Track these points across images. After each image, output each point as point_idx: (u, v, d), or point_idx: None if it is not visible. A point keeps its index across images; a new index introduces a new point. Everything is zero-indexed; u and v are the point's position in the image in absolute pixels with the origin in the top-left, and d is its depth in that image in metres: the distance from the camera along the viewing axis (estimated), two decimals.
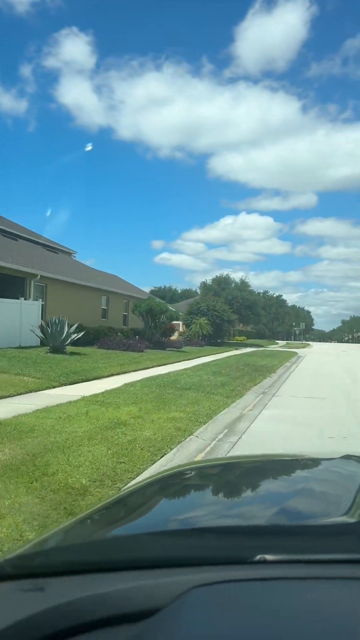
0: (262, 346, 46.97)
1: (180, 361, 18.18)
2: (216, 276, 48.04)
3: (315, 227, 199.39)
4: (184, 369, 14.63)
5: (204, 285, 47.13)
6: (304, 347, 49.31)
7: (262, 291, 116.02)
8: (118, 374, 12.59)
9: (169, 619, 0.64)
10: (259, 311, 47.98)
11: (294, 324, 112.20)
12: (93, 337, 20.62)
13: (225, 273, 48.16)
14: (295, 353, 32.14)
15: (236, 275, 63.88)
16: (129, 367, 14.00)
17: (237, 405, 9.02)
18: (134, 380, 11.11)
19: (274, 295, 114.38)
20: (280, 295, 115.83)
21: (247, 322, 47.81)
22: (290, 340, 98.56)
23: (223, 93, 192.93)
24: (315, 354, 34.62)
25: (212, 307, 34.93)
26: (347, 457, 1.43)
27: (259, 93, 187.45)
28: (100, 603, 0.69)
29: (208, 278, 47.87)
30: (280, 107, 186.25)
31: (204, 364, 17.05)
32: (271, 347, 46.86)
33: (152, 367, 15.18)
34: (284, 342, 70.72)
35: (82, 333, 16.37)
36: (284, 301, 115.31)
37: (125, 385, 10.16)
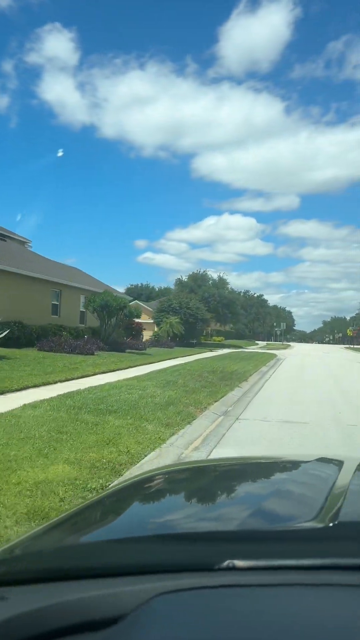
0: (240, 347, 44.27)
1: (134, 366, 15.15)
2: (192, 273, 45.18)
3: (298, 228, 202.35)
4: (130, 378, 11.58)
5: (179, 282, 44.21)
6: (284, 349, 46.79)
7: (242, 291, 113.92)
8: (37, 385, 9.48)
9: (132, 626, 0.64)
10: (238, 310, 45.27)
11: (274, 324, 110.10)
12: (37, 337, 17.50)
13: (202, 270, 45.37)
14: (274, 355, 29.45)
15: (215, 273, 61.22)
16: (59, 376, 10.90)
17: (178, 440, 6.01)
18: (50, 396, 8.06)
19: (255, 295, 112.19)
20: (261, 295, 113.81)
21: (224, 322, 45.06)
22: (271, 340, 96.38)
23: (207, 93, 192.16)
24: (296, 356, 32.09)
25: (185, 304, 32.00)
26: (322, 460, 1.43)
27: (243, 94, 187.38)
28: (63, 611, 0.68)
29: (185, 275, 44.60)
30: (264, 108, 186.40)
31: (160, 371, 14.01)
32: (250, 348, 44.19)
33: (93, 374, 12.12)
34: (264, 343, 68.30)
35: (6, 332, 13.19)
36: (265, 301, 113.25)
37: (24, 407, 7.08)
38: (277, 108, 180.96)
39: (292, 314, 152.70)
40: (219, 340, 52.09)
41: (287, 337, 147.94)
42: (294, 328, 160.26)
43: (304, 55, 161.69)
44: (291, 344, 79.10)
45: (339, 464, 1.35)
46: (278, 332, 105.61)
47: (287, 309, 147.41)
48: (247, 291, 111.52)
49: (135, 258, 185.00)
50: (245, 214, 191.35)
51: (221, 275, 45.68)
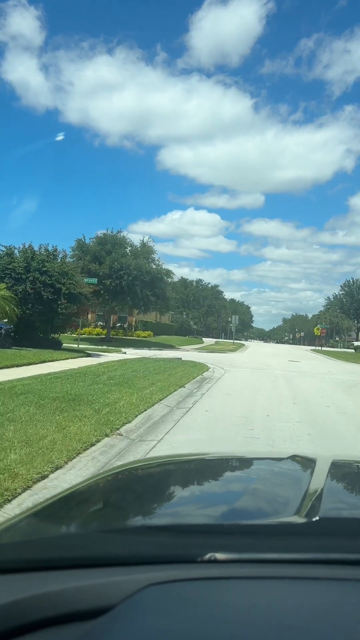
0: (168, 347, 29.94)
1: None
2: (102, 233, 30.34)
3: (261, 227, 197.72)
4: None
5: (78, 245, 29.31)
6: (233, 351, 32.89)
7: (195, 280, 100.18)
8: None
9: (119, 618, 0.65)
10: (165, 293, 30.83)
11: (230, 319, 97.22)
12: None
13: (117, 231, 30.54)
14: (203, 369, 15.32)
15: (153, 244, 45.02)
16: None
17: None
18: None
19: (209, 285, 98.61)
20: (217, 286, 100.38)
21: (145, 308, 30.54)
22: (225, 338, 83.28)
23: (176, 84, 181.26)
24: (245, 367, 18.17)
25: (39, 267, 17.18)
26: (295, 457, 1.48)
27: (212, 87, 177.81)
28: (51, 601, 0.69)
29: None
30: (233, 103, 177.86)
31: None
32: (182, 349, 29.96)
33: None
34: (212, 341, 54.60)
35: None
36: (221, 292, 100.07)
37: None
38: (246, 104, 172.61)
39: (250, 309, 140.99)
40: (143, 336, 37.57)
41: (244, 334, 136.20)
42: (252, 325, 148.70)
43: (274, 52, 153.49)
44: (246, 343, 65.78)
45: (312, 462, 1.37)
46: (233, 329, 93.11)
47: (247, 305, 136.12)
48: (200, 280, 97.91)
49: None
50: (210, 210, 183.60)
51: (145, 240, 30.98)
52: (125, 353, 21.24)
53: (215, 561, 0.74)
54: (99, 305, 29.51)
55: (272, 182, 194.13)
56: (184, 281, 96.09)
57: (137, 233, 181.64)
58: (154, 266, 30.37)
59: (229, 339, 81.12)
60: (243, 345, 48.85)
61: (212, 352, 29.74)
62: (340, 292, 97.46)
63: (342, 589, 0.72)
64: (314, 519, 0.81)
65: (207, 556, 0.74)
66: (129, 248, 30.46)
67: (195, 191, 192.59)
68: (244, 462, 1.64)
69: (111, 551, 0.81)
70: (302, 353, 40.01)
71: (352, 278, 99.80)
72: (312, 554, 0.76)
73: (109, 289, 27.70)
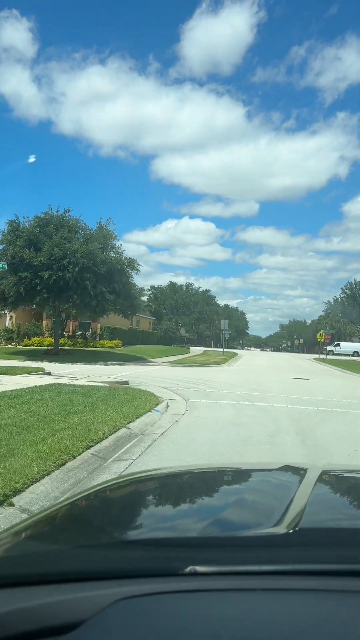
0: (133, 361, 22.84)
1: None
2: (44, 213, 23.10)
3: (255, 235, 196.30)
4: None
5: (10, 227, 22.07)
6: (220, 363, 25.71)
7: (185, 284, 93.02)
8: None
9: (92, 632, 0.65)
10: (129, 290, 23.62)
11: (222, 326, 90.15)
12: None
13: (63, 211, 23.32)
14: (150, 404, 8.11)
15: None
16: None
17: None
18: None
19: (200, 290, 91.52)
20: (208, 291, 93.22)
21: (101, 310, 23.24)
22: (218, 346, 76.32)
23: (168, 93, 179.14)
24: (225, 396, 10.85)
25: None
26: (286, 468, 1.47)
27: (205, 96, 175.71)
28: (23, 617, 0.68)
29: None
30: (225, 112, 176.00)
31: None
32: (153, 362, 22.84)
33: None
34: (201, 350, 47.41)
35: None
36: (213, 298, 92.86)
37: None
38: (239, 113, 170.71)
39: (247, 317, 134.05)
40: (109, 347, 30.29)
41: (240, 342, 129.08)
42: (248, 332, 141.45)
43: (266, 60, 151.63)
44: (240, 351, 58.55)
45: (303, 472, 1.35)
46: (225, 336, 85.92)
47: (241, 310, 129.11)
48: (190, 284, 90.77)
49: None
50: (205, 218, 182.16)
51: (103, 223, 23.82)
52: (49, 374, 14.04)
53: (195, 574, 0.72)
54: (36, 304, 22.27)
55: (266, 190, 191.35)
56: (172, 285, 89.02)
57: (132, 242, 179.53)
58: (113, 254, 23.19)
59: (217, 348, 73.93)
60: (235, 354, 41.61)
61: (192, 365, 22.55)
62: (342, 295, 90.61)
63: (319, 600, 0.70)
64: (294, 530, 0.81)
65: (187, 569, 0.73)
66: (81, 230, 23.27)
67: (190, 200, 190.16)
68: (234, 474, 1.61)
69: (85, 566, 0.79)
70: (306, 364, 32.83)
71: (355, 280, 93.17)
72: (291, 565, 0.75)
73: (47, 284, 20.50)
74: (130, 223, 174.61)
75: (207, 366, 22.80)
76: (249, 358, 37.44)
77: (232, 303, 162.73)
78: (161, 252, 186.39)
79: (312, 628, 0.64)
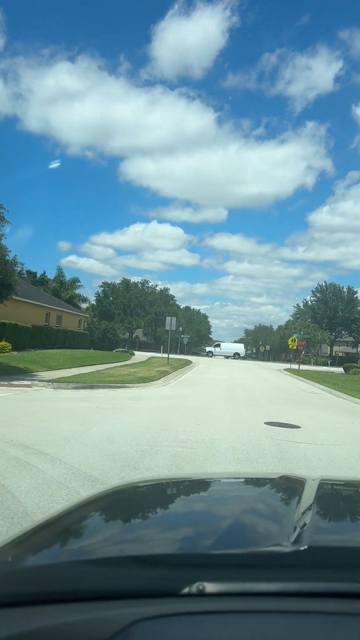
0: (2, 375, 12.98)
1: None
2: None
3: (223, 241, 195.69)
4: None
5: None
6: (148, 380, 16.27)
7: (140, 281, 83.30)
8: None
9: None
10: (10, 278, 13.80)
11: (180, 328, 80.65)
12: None
13: None
14: None
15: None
16: None
17: None
18: None
19: (157, 289, 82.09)
20: (167, 289, 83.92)
21: None
22: (179, 352, 67.14)
23: (139, 95, 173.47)
24: None
25: None
26: (284, 478, 1.48)
27: (176, 100, 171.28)
28: (41, 637, 0.68)
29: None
30: (196, 117, 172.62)
31: None
32: (36, 376, 13.11)
33: None
34: (146, 356, 38.03)
35: None
36: (172, 297, 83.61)
37: None
38: (209, 118, 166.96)
39: (213, 323, 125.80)
40: None
41: (204, 347, 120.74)
42: (211, 337, 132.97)
43: (237, 65, 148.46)
44: (198, 359, 49.27)
45: (301, 482, 1.34)
46: (185, 341, 76.11)
47: (210, 319, 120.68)
48: (146, 282, 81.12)
49: (59, 261, 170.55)
50: (173, 223, 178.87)
51: None
52: None
53: (204, 594, 0.72)
54: None
55: (235, 197, 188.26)
56: (126, 282, 79.18)
57: (99, 245, 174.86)
58: None
59: (185, 353, 64.66)
60: (189, 362, 32.43)
61: (94, 387, 13.13)
62: (312, 299, 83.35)
63: (333, 624, 0.69)
64: (302, 548, 0.80)
65: (195, 588, 0.72)
66: None
67: (159, 204, 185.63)
68: (234, 485, 1.61)
69: (100, 585, 0.77)
70: (278, 378, 23.95)
71: (325, 282, 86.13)
72: (299, 584, 0.73)
73: None
74: (97, 225, 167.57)
75: (121, 387, 13.46)
76: (204, 369, 28.26)
77: (200, 309, 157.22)
78: (129, 256, 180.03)
79: None
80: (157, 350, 54.13)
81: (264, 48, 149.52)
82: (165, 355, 44.46)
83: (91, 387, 12.93)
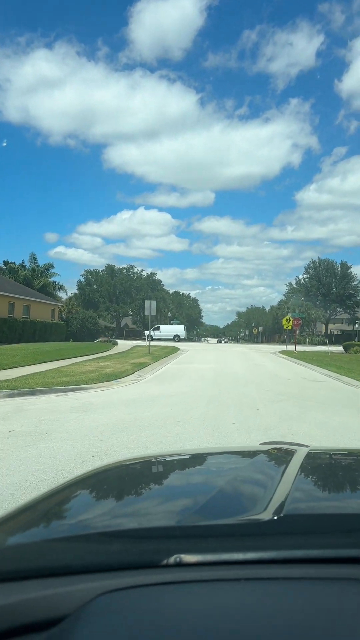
0: None
1: None
2: None
3: (212, 225, 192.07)
4: None
5: None
6: (115, 378, 13.24)
7: (125, 266, 79.58)
8: None
9: (74, 627, 0.64)
10: None
11: (169, 314, 77.45)
12: None
13: None
14: None
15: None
16: None
17: None
18: None
19: (142, 273, 78.54)
20: (154, 274, 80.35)
21: None
22: (173, 341, 64.04)
23: (119, 80, 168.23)
24: None
25: None
26: (274, 449, 1.46)
27: (156, 83, 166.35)
28: (4, 614, 0.68)
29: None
30: (178, 99, 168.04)
31: None
32: None
33: None
34: (131, 345, 34.96)
35: None
36: (159, 282, 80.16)
37: None
38: (191, 100, 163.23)
39: (205, 307, 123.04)
40: None
41: (195, 332, 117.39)
42: (202, 321, 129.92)
43: (217, 44, 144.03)
44: (187, 345, 46.24)
45: (291, 453, 1.34)
46: (172, 321, 72.94)
47: (201, 303, 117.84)
48: (132, 267, 77.40)
49: (46, 252, 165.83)
50: (160, 209, 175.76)
51: None
52: None
53: (179, 565, 0.72)
54: None
55: (222, 179, 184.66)
56: (110, 269, 75.55)
57: (87, 234, 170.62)
58: None
59: (149, 341, 60.62)
60: (175, 350, 29.41)
61: (34, 394, 10.04)
62: (305, 276, 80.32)
63: (305, 589, 0.69)
64: (279, 517, 0.80)
65: (172, 560, 0.72)
66: None
67: (144, 190, 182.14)
68: (218, 458, 1.57)
69: (67, 560, 0.77)
70: (275, 364, 21.03)
71: (318, 258, 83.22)
72: (275, 553, 0.74)
73: None
74: (84, 214, 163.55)
75: (74, 390, 10.43)
76: (191, 357, 25.27)
77: (191, 294, 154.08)
78: (117, 244, 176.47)
79: (298, 615, 0.63)
80: (179, 339, 51.14)
81: (243, 25, 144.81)
82: (156, 343, 41.59)
83: (32, 394, 9.85)
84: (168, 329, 52.76)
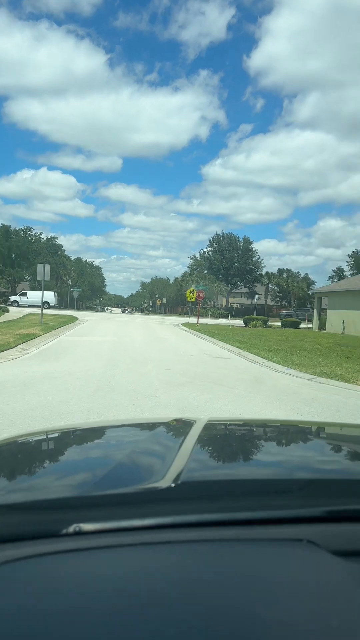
0: None
1: None
2: None
3: (119, 192, 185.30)
4: None
5: None
6: None
7: (22, 228, 73.55)
8: None
9: None
10: None
11: (70, 281, 73.42)
12: None
13: None
14: None
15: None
16: None
17: None
18: None
19: (42, 236, 73.22)
20: (55, 238, 75.49)
21: None
22: (70, 307, 60.37)
23: (23, 29, 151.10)
24: None
25: None
26: (175, 421, 1.50)
27: (63, 37, 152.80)
28: None
29: None
30: (86, 57, 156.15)
31: None
32: None
33: None
34: (24, 313, 31.81)
35: None
36: (60, 247, 75.58)
37: None
38: (100, 59, 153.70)
39: (109, 276, 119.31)
40: None
41: (98, 302, 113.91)
42: (106, 290, 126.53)
43: (128, 4, 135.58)
44: (89, 315, 43.69)
45: (190, 424, 1.37)
46: (75, 295, 69.22)
47: (106, 272, 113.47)
48: (30, 228, 71.57)
49: None
50: (65, 171, 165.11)
51: None
52: None
53: (78, 533, 0.72)
54: None
55: (130, 145, 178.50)
56: (5, 229, 69.14)
57: None
58: None
59: (78, 309, 57.39)
60: (74, 319, 27.10)
61: None
62: (209, 249, 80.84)
63: (197, 551, 0.72)
64: (176, 484, 0.82)
65: (72, 528, 0.72)
66: None
67: (48, 149, 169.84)
68: (118, 431, 1.58)
69: None
70: (178, 337, 19.95)
71: (222, 232, 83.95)
72: (171, 518, 0.77)
73: None
74: None
75: None
76: (89, 328, 23.29)
77: (96, 262, 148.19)
78: (17, 205, 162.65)
79: (193, 575, 0.65)
80: (49, 306, 47.39)
81: None
82: (52, 311, 38.60)
83: None
84: (36, 295, 47.19)
